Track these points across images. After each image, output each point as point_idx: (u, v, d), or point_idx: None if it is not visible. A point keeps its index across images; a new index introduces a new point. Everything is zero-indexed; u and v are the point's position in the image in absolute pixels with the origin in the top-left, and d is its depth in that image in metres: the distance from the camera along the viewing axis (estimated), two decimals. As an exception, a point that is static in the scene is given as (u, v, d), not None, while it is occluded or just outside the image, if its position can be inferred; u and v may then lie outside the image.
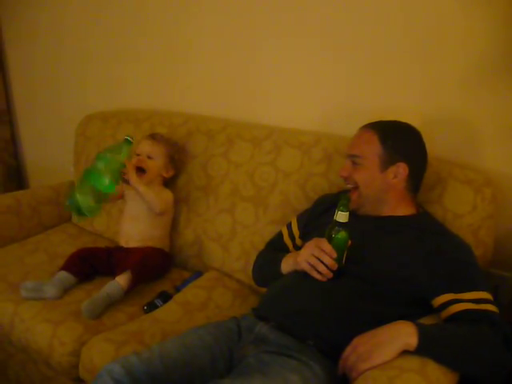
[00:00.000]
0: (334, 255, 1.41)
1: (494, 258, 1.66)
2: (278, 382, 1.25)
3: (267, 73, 2.16)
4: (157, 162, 2.09)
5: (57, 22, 2.85)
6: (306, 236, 1.68)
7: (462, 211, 1.62)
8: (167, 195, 2.11)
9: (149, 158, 2.08)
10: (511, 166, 1.73)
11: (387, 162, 1.52)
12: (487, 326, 1.30)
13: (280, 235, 1.79)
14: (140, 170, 2.04)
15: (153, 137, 2.11)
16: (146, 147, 2.09)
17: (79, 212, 1.75)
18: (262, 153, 2.00)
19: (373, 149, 1.53)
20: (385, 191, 1.54)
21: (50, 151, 3.19)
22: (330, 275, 1.43)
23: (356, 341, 1.28)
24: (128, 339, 1.61)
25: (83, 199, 1.72)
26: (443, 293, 1.38)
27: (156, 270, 2.04)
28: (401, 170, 1.52)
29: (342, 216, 1.40)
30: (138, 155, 2.08)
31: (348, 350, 1.28)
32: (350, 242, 1.43)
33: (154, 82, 2.55)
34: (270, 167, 1.96)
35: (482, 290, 1.38)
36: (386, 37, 1.85)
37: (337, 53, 1.97)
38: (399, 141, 1.55)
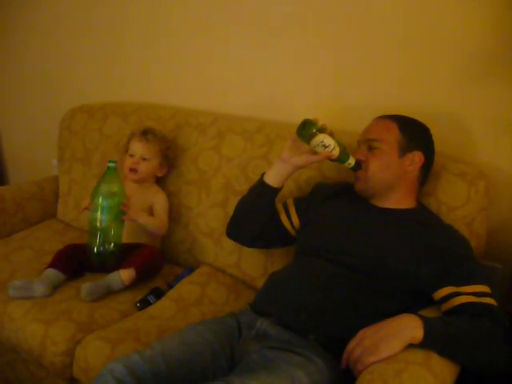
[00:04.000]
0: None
1: (485, 250, 1.68)
2: (283, 378, 1.24)
3: (258, 67, 2.15)
4: (151, 162, 2.05)
5: (43, 16, 2.80)
6: (306, 223, 1.68)
7: (456, 204, 1.63)
8: (163, 203, 2.07)
9: (143, 159, 2.03)
10: (502, 159, 1.75)
11: (405, 149, 1.55)
12: (488, 319, 1.31)
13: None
14: (133, 170, 2.02)
15: (145, 136, 2.04)
16: (139, 149, 2.03)
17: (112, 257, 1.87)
18: (255, 146, 1.98)
19: (392, 135, 1.56)
20: (399, 178, 1.56)
21: (30, 145, 3.14)
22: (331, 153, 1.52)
23: (361, 334, 1.27)
24: (123, 337, 1.59)
25: (107, 247, 1.84)
26: (444, 286, 1.39)
27: (155, 270, 2.01)
28: (416, 158, 1.56)
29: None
30: (132, 155, 2.04)
31: (353, 342, 1.28)
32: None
33: (141, 74, 2.52)
34: (262, 160, 1.94)
35: (482, 284, 1.39)
36: (377, 34, 1.86)
37: (327, 50, 1.98)
38: (416, 131, 1.60)
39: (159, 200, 2.07)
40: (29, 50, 2.94)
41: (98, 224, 1.83)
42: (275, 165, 1.63)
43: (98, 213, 1.82)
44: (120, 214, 1.85)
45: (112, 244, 1.86)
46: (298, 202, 1.74)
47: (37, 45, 2.89)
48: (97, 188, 1.82)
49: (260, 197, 1.67)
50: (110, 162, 1.82)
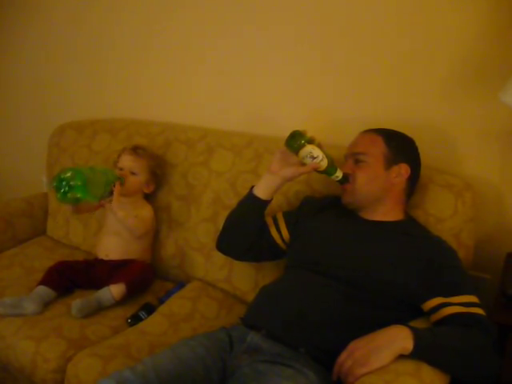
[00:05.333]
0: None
1: (473, 261, 1.69)
2: (275, 391, 1.24)
3: (246, 82, 2.18)
4: (139, 177, 2.05)
5: (32, 32, 2.81)
6: (296, 237, 1.69)
7: (444, 215, 1.65)
8: (147, 213, 2.07)
9: (131, 173, 2.04)
10: (489, 171, 1.78)
11: (391, 161, 1.57)
12: (478, 329, 1.33)
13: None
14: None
15: (135, 151, 2.06)
16: (128, 163, 2.05)
17: (69, 190, 1.70)
18: (243, 161, 1.99)
19: (378, 147, 1.58)
20: (385, 190, 1.57)
21: (19, 162, 3.13)
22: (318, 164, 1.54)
23: (352, 346, 1.28)
24: (115, 353, 1.58)
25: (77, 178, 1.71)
26: (433, 297, 1.41)
27: (145, 285, 2.01)
28: (403, 170, 1.58)
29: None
30: (121, 169, 2.05)
31: (344, 354, 1.29)
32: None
33: (130, 90, 2.53)
34: (252, 175, 1.95)
35: (471, 294, 1.41)
36: (365, 46, 1.88)
37: (315, 65, 2.00)
38: (402, 143, 1.62)
39: (143, 210, 2.06)
40: (18, 67, 2.94)
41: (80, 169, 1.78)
42: (264, 177, 1.64)
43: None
44: (105, 193, 1.87)
45: (80, 182, 1.71)
46: (287, 216, 1.75)
47: (26, 62, 2.89)
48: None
49: (249, 210, 1.68)
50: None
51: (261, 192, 1.64)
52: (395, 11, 1.80)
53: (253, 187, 1.67)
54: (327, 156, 1.54)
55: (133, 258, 2.02)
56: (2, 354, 1.72)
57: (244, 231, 1.71)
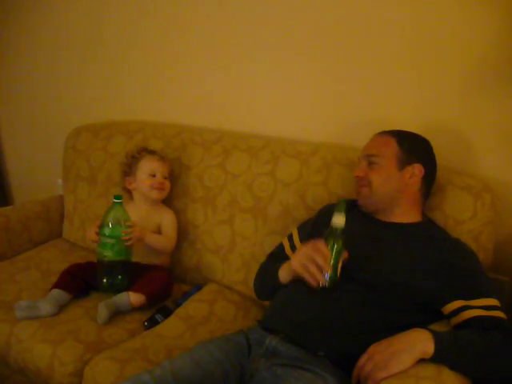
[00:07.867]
0: (328, 256, 1.38)
1: (492, 263, 1.67)
2: (294, 396, 1.23)
3: (262, 84, 2.17)
4: (169, 181, 2.11)
5: (49, 34, 2.82)
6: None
7: (463, 217, 1.63)
8: (171, 218, 2.09)
9: (164, 178, 2.08)
10: (508, 172, 1.76)
11: (404, 162, 1.56)
12: (499, 333, 1.31)
13: (281, 247, 1.77)
14: (161, 189, 2.07)
15: (161, 156, 2.11)
16: (160, 168, 2.07)
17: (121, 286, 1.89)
18: (260, 163, 1.98)
19: (390, 149, 1.58)
20: (400, 191, 1.56)
21: (35, 165, 3.15)
22: (322, 279, 1.39)
23: (372, 349, 1.27)
24: (132, 356, 1.57)
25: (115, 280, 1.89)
26: (453, 300, 1.39)
27: (165, 295, 1.98)
28: (416, 171, 1.56)
29: (338, 218, 1.39)
30: (153, 175, 2.06)
31: (363, 358, 1.27)
32: (346, 254, 1.42)
33: (146, 93, 2.53)
34: (268, 177, 1.95)
35: (491, 297, 1.39)
36: (381, 47, 1.87)
37: (329, 64, 1.99)
38: (415, 145, 1.62)
39: (166, 219, 2.09)
40: (34, 69, 2.95)
41: (104, 259, 1.87)
42: (288, 270, 1.57)
43: (104, 248, 1.86)
44: (126, 242, 1.88)
45: (120, 276, 1.89)
46: (301, 228, 1.75)
47: (42, 64, 2.90)
48: (102, 222, 1.87)
49: (271, 283, 1.65)
50: (115, 197, 1.87)
51: (282, 277, 1.60)
52: (412, 11, 1.78)
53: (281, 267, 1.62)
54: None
55: (154, 263, 2.03)
56: (19, 357, 1.72)
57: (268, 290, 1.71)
